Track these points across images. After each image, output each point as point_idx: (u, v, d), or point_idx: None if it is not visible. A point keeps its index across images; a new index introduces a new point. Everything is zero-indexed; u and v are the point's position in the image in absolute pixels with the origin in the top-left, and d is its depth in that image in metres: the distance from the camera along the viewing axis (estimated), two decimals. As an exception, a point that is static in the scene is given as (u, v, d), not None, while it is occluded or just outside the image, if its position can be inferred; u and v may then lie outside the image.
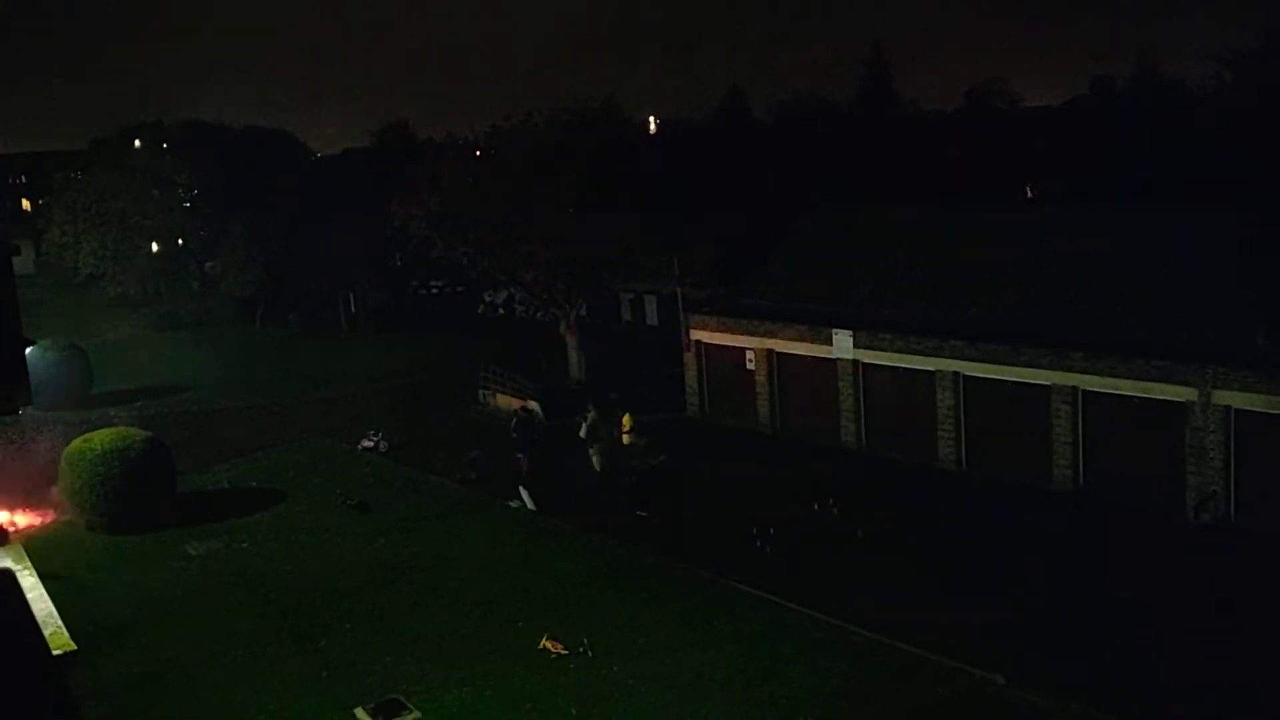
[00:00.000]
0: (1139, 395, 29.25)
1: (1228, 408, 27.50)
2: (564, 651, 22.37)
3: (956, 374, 33.04)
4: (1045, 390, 30.98)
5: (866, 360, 35.44)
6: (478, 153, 51.56)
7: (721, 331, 40.05)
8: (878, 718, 19.77)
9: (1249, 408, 27.16)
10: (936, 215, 40.19)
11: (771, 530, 28.21)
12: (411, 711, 20.41)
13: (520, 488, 32.40)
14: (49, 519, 32.37)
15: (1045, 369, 30.94)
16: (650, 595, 25.09)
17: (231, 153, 70.05)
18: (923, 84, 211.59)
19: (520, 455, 33.65)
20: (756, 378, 38.75)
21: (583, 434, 35.67)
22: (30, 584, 25.89)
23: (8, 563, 22.68)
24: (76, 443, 31.66)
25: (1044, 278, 33.78)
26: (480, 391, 45.13)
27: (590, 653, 22.30)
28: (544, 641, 22.71)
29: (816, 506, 30.04)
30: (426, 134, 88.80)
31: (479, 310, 69.30)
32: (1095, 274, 32.77)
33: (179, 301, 72.17)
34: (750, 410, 38.99)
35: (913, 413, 34.23)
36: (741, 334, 39.27)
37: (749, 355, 38.93)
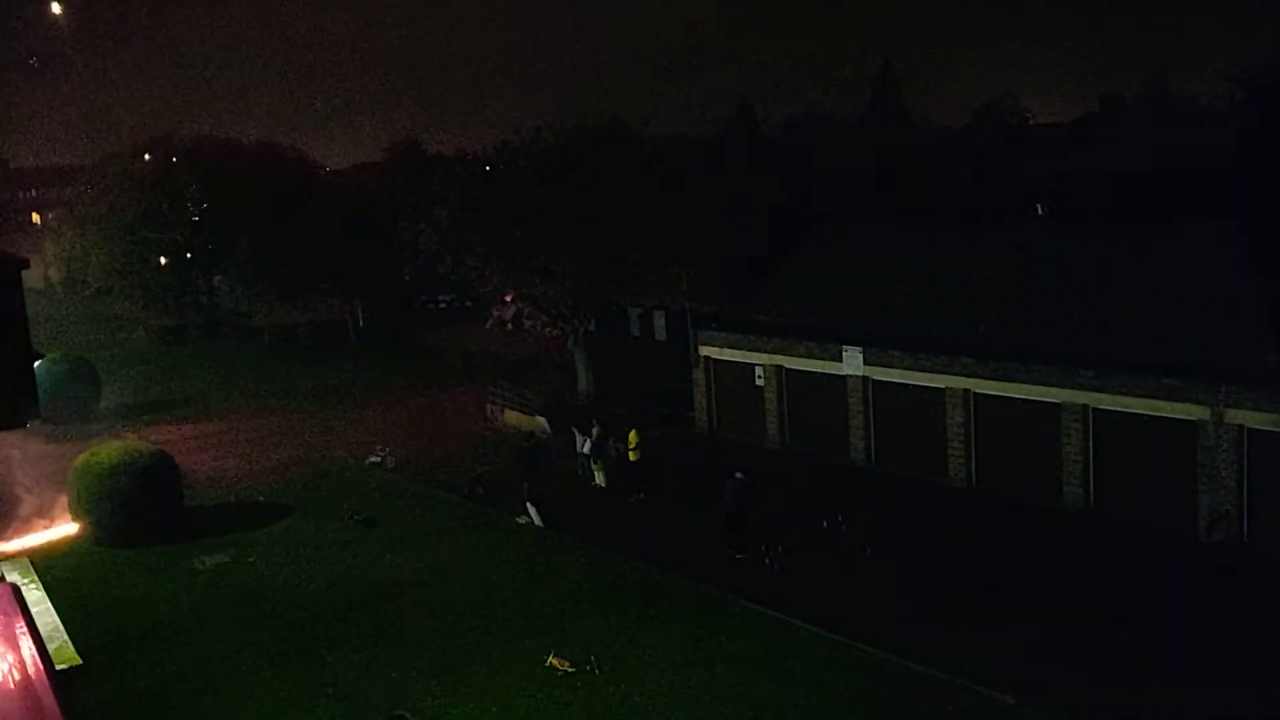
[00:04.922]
0: (1150, 414, 29.10)
1: (1240, 427, 27.33)
2: (570, 668, 22.23)
3: (967, 391, 32.92)
4: (1056, 408, 30.83)
5: (876, 377, 35.33)
6: (487, 168, 51.62)
7: (730, 348, 39.97)
8: (887, 738, 19.62)
9: (1262, 427, 26.98)
10: (946, 231, 40.13)
11: (780, 547, 28.08)
12: (417, 728, 20.26)
13: (526, 503, 32.30)
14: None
15: (1056, 386, 30.81)
16: (657, 612, 24.94)
17: (241, 167, 70.30)
18: (932, 100, 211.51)
19: (526, 485, 33.22)
20: (765, 394, 38.65)
21: (586, 449, 35.55)
22: (36, 598, 25.83)
23: (14, 576, 22.62)
24: (84, 456, 31.64)
25: (1054, 294, 33.67)
26: (488, 406, 45.09)
27: (597, 670, 22.16)
28: (550, 658, 22.57)
29: (825, 524, 29.90)
30: (436, 149, 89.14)
31: (487, 325, 69.33)
32: (1106, 291, 32.66)
33: (187, 315, 72.28)
34: (759, 426, 38.89)
35: (922, 430, 34.10)
36: (750, 350, 39.20)
37: (758, 371, 38.85)
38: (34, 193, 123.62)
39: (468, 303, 71.26)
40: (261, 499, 35.36)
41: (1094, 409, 30.18)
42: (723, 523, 28.95)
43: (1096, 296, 32.75)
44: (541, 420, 41.74)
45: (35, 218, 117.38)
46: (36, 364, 22.34)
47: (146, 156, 74.63)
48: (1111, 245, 34.25)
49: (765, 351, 38.63)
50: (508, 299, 59.40)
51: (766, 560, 27.72)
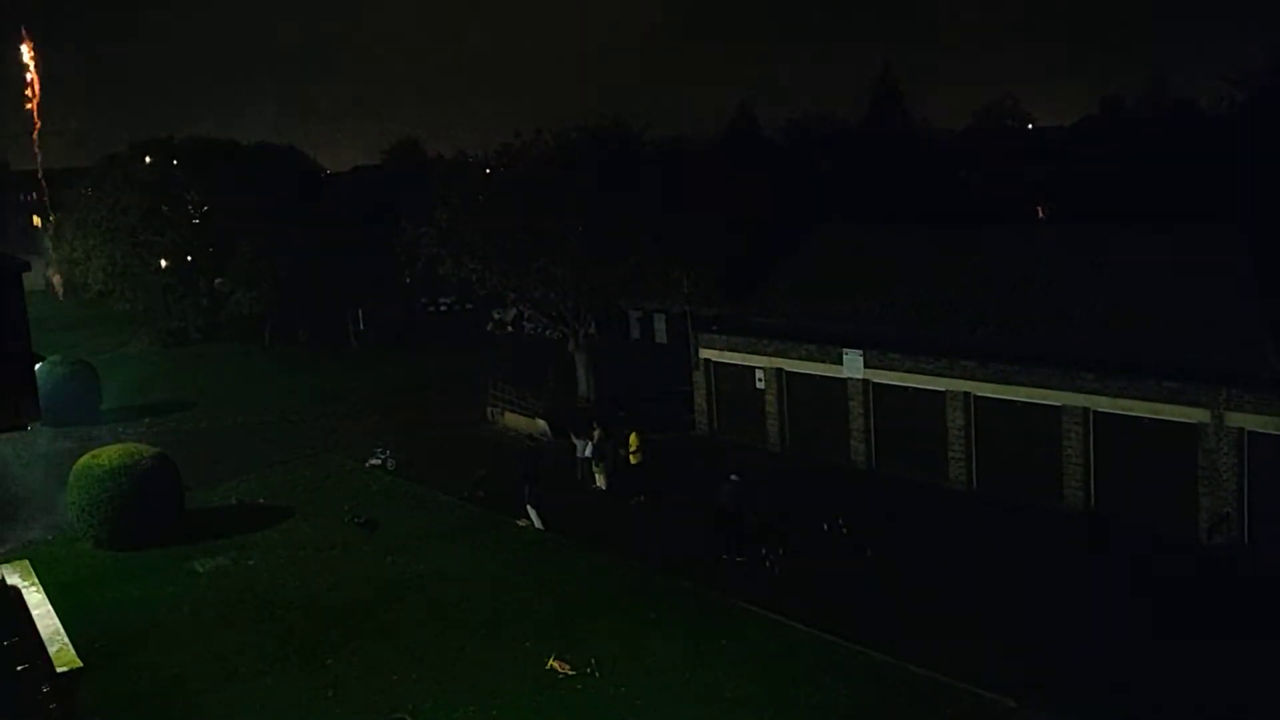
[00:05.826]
0: (1150, 416, 29.09)
1: (1241, 429, 27.33)
2: (571, 672, 22.24)
3: (967, 394, 32.92)
4: (1056, 410, 30.83)
5: (877, 380, 35.31)
6: (487, 170, 51.60)
7: (731, 350, 39.96)
8: (888, 740, 19.63)
9: (1262, 430, 26.98)
10: (946, 234, 40.16)
11: (780, 549, 28.08)
12: (418, 731, 20.26)
13: (528, 506, 32.27)
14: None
15: (1056, 389, 30.81)
16: (657, 615, 24.95)
17: (241, 169, 70.27)
18: (933, 103, 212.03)
19: (527, 488, 33.05)
20: (766, 397, 38.65)
21: (587, 452, 35.49)
22: (37, 600, 25.82)
23: (15, 579, 22.62)
24: (84, 459, 31.61)
25: (1054, 297, 33.69)
26: (489, 409, 45.06)
27: (597, 673, 22.17)
28: (551, 661, 22.58)
29: (826, 526, 29.89)
30: (436, 151, 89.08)
31: (487, 328, 69.32)
32: (1106, 293, 32.67)
33: (188, 318, 72.25)
34: (759, 429, 38.87)
35: (923, 432, 34.09)
36: (751, 353, 39.18)
37: (758, 374, 38.84)
38: (34, 195, 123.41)
39: (468, 305, 71.19)
40: (262, 501, 35.36)
41: (1094, 411, 30.18)
42: (711, 524, 28.95)
43: (1096, 298, 32.75)
44: (542, 423, 41.74)
45: (36, 220, 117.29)
46: (38, 366, 22.34)
47: (147, 159, 74.48)
48: (1112, 247, 34.27)
49: (766, 354, 38.63)
50: (509, 301, 59.38)
51: (766, 563, 27.72)
